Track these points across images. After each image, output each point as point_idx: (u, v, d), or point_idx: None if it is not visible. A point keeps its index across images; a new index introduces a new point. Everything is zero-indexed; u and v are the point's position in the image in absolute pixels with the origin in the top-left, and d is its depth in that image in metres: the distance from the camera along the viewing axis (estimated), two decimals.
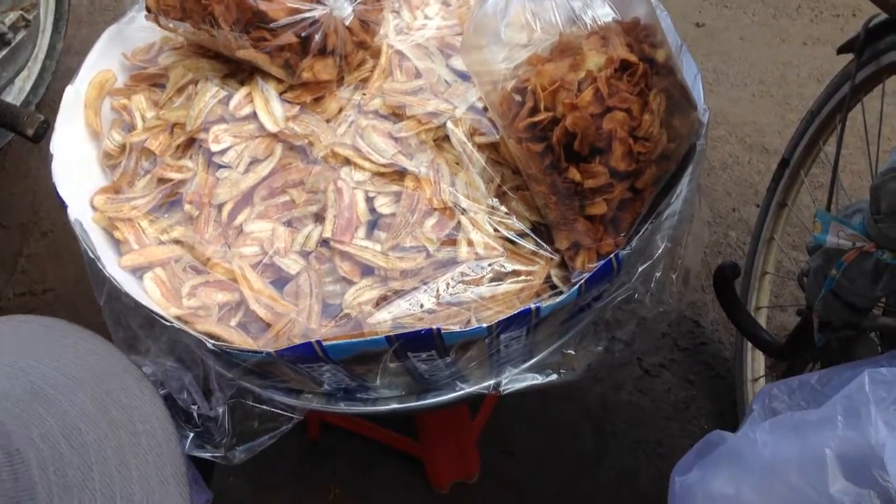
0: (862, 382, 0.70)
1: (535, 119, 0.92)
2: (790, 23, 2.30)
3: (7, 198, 1.92)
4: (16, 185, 1.95)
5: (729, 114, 2.03)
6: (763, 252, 1.58)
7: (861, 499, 0.67)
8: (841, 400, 0.71)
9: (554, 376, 1.08)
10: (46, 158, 1.89)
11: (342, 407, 1.08)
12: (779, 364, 1.34)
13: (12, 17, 1.81)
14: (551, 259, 0.99)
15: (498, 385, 1.07)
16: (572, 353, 1.07)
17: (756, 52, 2.22)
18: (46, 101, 2.09)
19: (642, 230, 0.98)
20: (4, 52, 1.82)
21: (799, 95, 2.10)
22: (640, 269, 1.02)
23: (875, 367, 0.74)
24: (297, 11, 1.03)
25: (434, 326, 0.89)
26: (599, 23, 0.91)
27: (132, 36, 1.23)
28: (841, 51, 1.34)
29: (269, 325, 0.98)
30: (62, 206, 1.02)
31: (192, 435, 1.03)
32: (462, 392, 1.07)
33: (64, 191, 1.03)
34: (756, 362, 1.58)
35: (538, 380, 1.08)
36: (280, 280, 1.00)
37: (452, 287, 0.96)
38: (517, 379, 1.07)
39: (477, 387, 1.07)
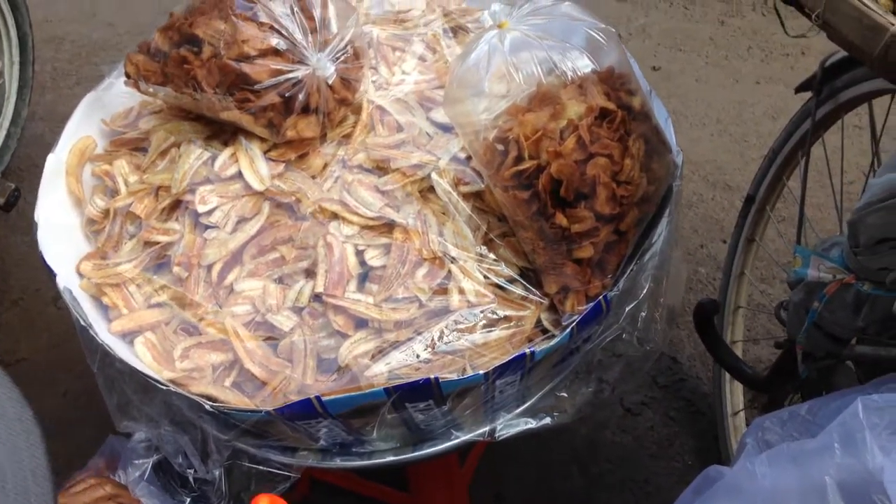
0: (856, 410, 0.72)
1: (521, 167, 0.95)
2: (742, 63, 2.39)
3: None
4: None
5: (690, 153, 2.09)
6: (735, 287, 1.62)
7: None
8: (836, 428, 0.73)
9: (547, 419, 1.10)
10: (15, 227, 1.87)
11: (338, 462, 1.07)
12: (759, 397, 1.37)
13: None
14: (541, 303, 1.01)
15: (493, 431, 1.08)
16: (564, 395, 1.09)
17: (712, 93, 2.30)
18: (12, 168, 2.07)
19: (628, 271, 1.01)
20: None
21: (756, 133, 2.18)
22: (626, 310, 1.04)
23: (864, 394, 0.76)
24: (280, 73, 1.05)
25: (432, 376, 0.90)
26: (579, 73, 0.94)
27: (110, 102, 1.24)
28: (799, 90, 1.40)
29: (264, 384, 0.98)
30: (51, 274, 1.01)
31: (188, 500, 1.02)
32: (457, 440, 1.07)
33: (51, 259, 1.03)
34: (735, 396, 1.61)
35: (532, 424, 1.09)
36: (274, 337, 1.00)
37: (446, 336, 0.98)
38: (511, 424, 1.08)
39: (472, 434, 1.07)
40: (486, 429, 1.07)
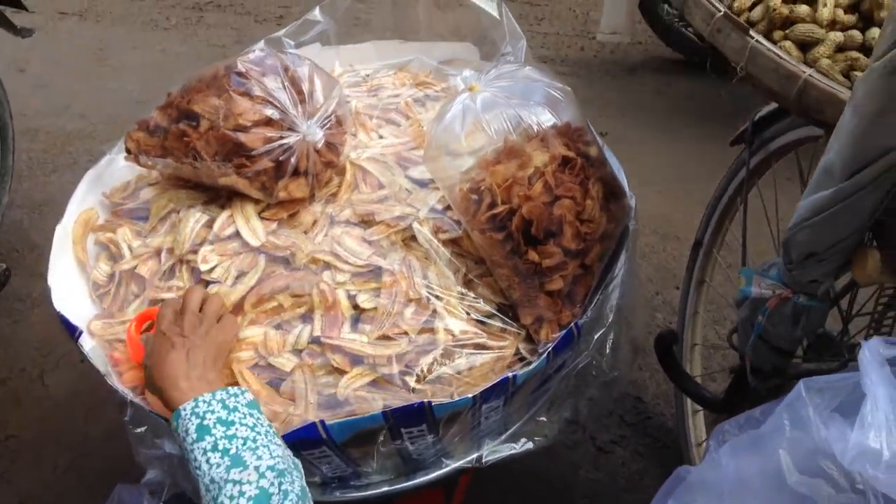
0: (800, 391, 0.84)
1: (495, 211, 1.07)
2: (681, 126, 2.59)
3: None
4: None
5: (640, 209, 2.21)
6: (690, 326, 1.75)
7: (813, 485, 0.80)
8: (784, 408, 0.84)
9: (529, 444, 1.19)
10: None
11: (337, 495, 1.15)
12: (720, 420, 1.47)
13: None
14: (518, 334, 1.12)
15: (480, 458, 1.17)
16: (544, 419, 1.19)
17: (655, 154, 2.48)
18: None
19: (594, 301, 1.12)
20: None
21: (699, 189, 2.34)
22: (595, 337, 1.16)
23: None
24: (273, 140, 1.17)
25: (425, 400, 1.00)
26: (542, 126, 1.07)
27: (110, 177, 1.34)
28: (733, 143, 1.56)
29: (270, 422, 1.05)
30: (73, 333, 1.08)
31: None
32: (448, 468, 1.16)
33: (70, 319, 1.10)
34: (697, 429, 1.72)
35: (515, 449, 1.19)
36: (276, 378, 1.09)
37: (435, 367, 1.07)
38: (496, 450, 1.18)
39: (461, 461, 1.16)
40: (474, 455, 1.17)
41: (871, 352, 0.82)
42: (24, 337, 1.98)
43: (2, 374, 1.90)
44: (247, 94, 1.17)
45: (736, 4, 0.97)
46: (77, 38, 3.00)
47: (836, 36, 0.93)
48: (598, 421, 1.80)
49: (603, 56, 2.89)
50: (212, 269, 1.16)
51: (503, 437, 1.18)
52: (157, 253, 1.20)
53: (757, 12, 0.96)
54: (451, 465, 1.16)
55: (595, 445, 1.75)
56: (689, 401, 1.72)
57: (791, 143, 1.38)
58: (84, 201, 1.29)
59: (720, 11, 0.96)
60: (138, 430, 1.05)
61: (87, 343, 1.10)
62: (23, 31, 1.79)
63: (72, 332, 1.10)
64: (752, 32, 0.94)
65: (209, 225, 1.20)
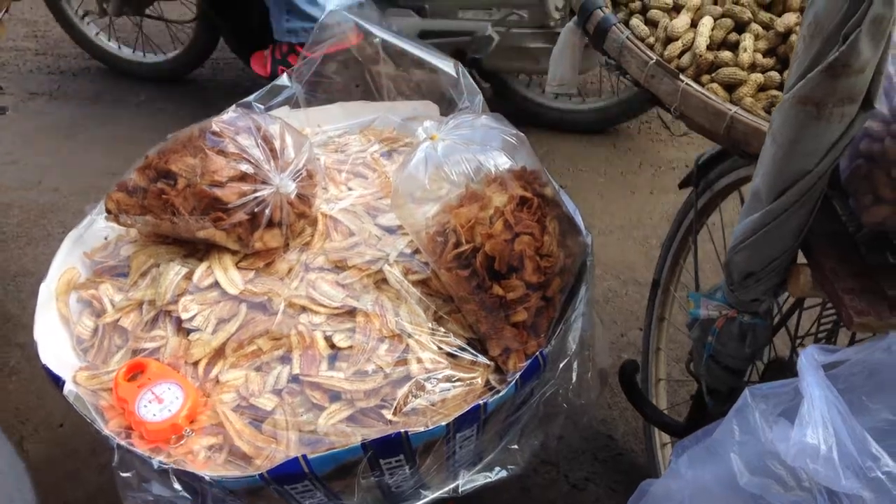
0: (746, 398, 0.91)
1: (460, 250, 1.15)
2: (636, 178, 2.71)
3: None
4: None
5: (601, 256, 2.35)
6: (654, 361, 1.82)
7: (763, 485, 0.86)
8: (734, 414, 0.92)
9: (503, 473, 1.25)
10: None
11: None
12: None
13: None
14: (488, 366, 1.18)
15: (457, 488, 1.22)
16: (516, 447, 1.24)
17: (613, 204, 2.59)
18: None
19: (558, 331, 1.20)
20: None
21: (656, 235, 2.46)
22: (560, 366, 1.23)
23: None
24: (247, 193, 1.24)
25: (402, 430, 1.05)
26: (500, 169, 1.16)
27: (90, 237, 1.39)
28: (682, 185, 1.66)
29: (252, 459, 1.10)
30: (58, 383, 1.12)
31: None
32: (426, 499, 1.21)
33: (55, 370, 1.14)
34: (667, 460, 1.78)
35: (490, 478, 1.24)
36: (258, 418, 1.14)
37: (410, 399, 1.13)
38: (472, 480, 1.23)
39: (439, 492, 1.21)
40: (451, 486, 1.21)
41: (807, 358, 0.90)
42: (3, 404, 2.00)
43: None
44: (222, 152, 1.25)
45: (666, 53, 1.07)
46: (47, 116, 3.07)
47: (757, 77, 1.03)
48: (571, 459, 1.85)
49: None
50: (192, 318, 1.21)
51: (478, 466, 1.23)
52: (139, 305, 1.25)
53: (685, 59, 1.07)
54: (429, 497, 1.21)
55: (569, 483, 1.80)
56: (657, 435, 1.78)
57: (733, 182, 1.48)
58: (66, 261, 1.34)
59: (653, 59, 1.06)
60: (125, 474, 1.08)
61: (71, 392, 1.13)
62: None
63: (57, 382, 1.14)
64: (682, 77, 1.04)
65: (188, 276, 1.26)
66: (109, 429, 1.13)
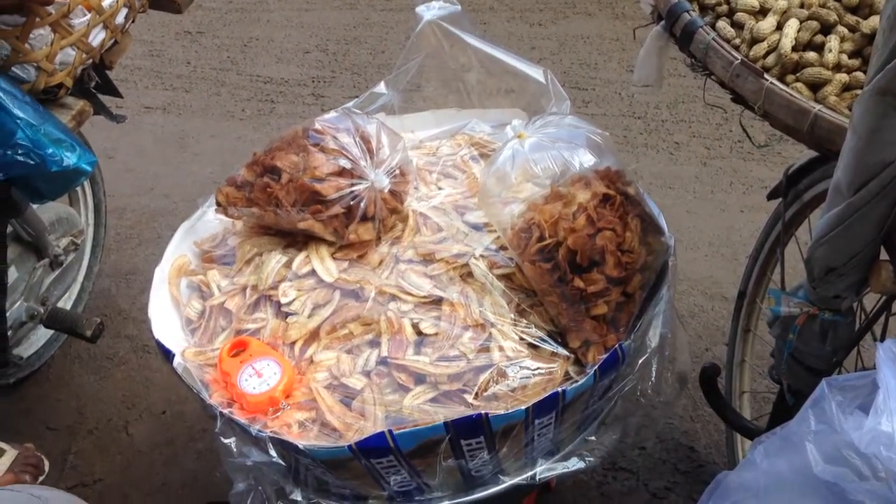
0: (823, 389, 0.92)
1: (543, 244, 1.19)
2: (726, 196, 2.70)
3: (54, 404, 2.10)
4: (60, 392, 2.13)
5: (688, 271, 2.34)
6: (738, 373, 1.81)
7: (838, 473, 0.87)
8: (810, 405, 0.93)
9: (581, 464, 1.27)
10: (87, 367, 2.10)
11: None
12: None
13: (65, 242, 2.09)
14: (567, 358, 1.22)
15: (535, 475, 1.25)
16: (594, 439, 1.27)
17: (702, 222, 2.59)
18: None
19: (637, 326, 1.22)
20: (58, 272, 2.09)
21: (744, 252, 2.43)
22: (639, 362, 1.25)
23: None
24: (344, 187, 1.32)
25: (482, 412, 1.10)
26: (585, 167, 1.20)
27: (200, 228, 1.51)
28: (770, 196, 1.66)
29: (342, 434, 1.17)
30: (168, 357, 1.22)
31: None
32: (504, 485, 1.25)
33: (167, 345, 1.24)
34: None
35: (568, 468, 1.27)
36: (348, 396, 1.20)
37: (490, 385, 1.18)
38: (549, 468, 1.26)
39: (517, 478, 1.25)
40: (529, 473, 1.25)
41: (884, 351, 0.90)
42: (111, 392, 2.14)
43: (90, 424, 2.05)
44: (322, 149, 1.34)
45: (751, 53, 1.10)
46: (160, 129, 3.27)
47: (842, 77, 1.05)
48: (651, 468, 1.85)
49: (648, 133, 3.04)
50: (290, 302, 1.30)
51: (556, 456, 1.27)
52: (243, 290, 1.35)
53: (771, 59, 1.09)
54: (508, 482, 1.24)
55: (649, 491, 1.80)
56: (740, 447, 1.77)
57: (823, 192, 1.47)
58: (178, 249, 1.46)
59: (738, 59, 1.09)
60: (227, 440, 1.17)
61: (180, 365, 1.23)
62: (117, 116, 2.02)
63: (167, 355, 1.24)
64: (766, 76, 1.07)
65: (288, 265, 1.35)
66: (213, 400, 1.22)
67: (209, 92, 3.49)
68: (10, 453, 1.68)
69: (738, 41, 1.13)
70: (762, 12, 1.15)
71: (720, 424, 1.93)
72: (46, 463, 1.75)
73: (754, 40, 1.11)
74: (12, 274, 1.90)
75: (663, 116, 3.14)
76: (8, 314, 1.87)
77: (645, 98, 3.25)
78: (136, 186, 2.92)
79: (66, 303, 2.26)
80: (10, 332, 1.90)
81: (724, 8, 1.17)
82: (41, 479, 1.72)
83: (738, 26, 1.14)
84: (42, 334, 2.15)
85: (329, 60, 3.69)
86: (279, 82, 3.55)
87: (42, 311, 1.97)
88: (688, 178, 2.80)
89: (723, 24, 1.14)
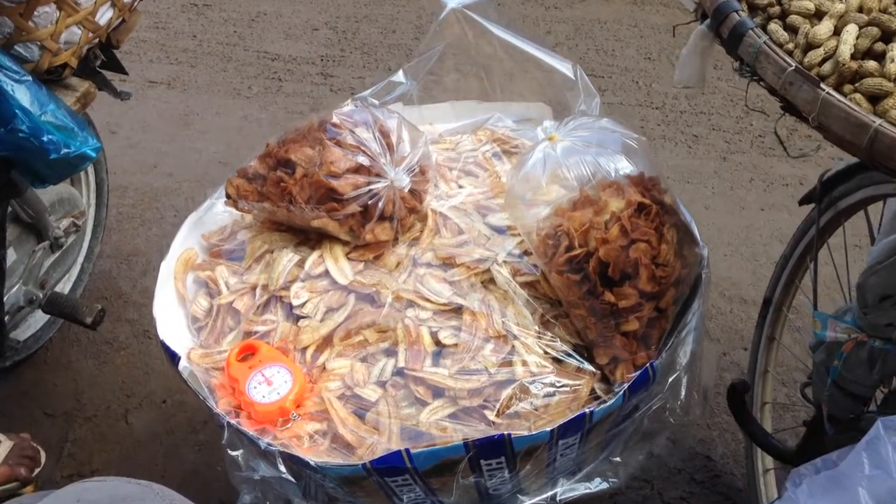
0: (878, 430, 0.86)
1: (573, 254, 1.13)
2: (746, 193, 2.62)
3: (51, 388, 2.04)
4: (58, 376, 2.07)
5: None
6: (760, 384, 1.75)
7: None
8: (864, 446, 0.86)
9: (604, 485, 1.22)
10: (87, 351, 2.03)
11: None
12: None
13: (65, 223, 2.02)
14: (594, 374, 1.16)
15: (555, 496, 1.20)
16: (618, 460, 1.21)
17: (720, 219, 2.51)
18: (83, 300, 2.25)
19: (669, 344, 1.16)
20: (58, 254, 2.02)
21: (764, 253, 2.37)
22: (669, 380, 1.19)
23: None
24: (361, 185, 1.25)
25: (505, 432, 1.04)
26: (619, 174, 1.13)
27: (209, 220, 1.44)
28: (802, 202, 1.59)
29: (355, 448, 1.11)
30: (173, 359, 1.16)
31: None
32: None
33: (172, 346, 1.18)
34: (769, 487, 1.70)
35: (590, 488, 1.21)
36: (362, 408, 1.14)
37: (513, 402, 1.12)
38: (570, 489, 1.21)
39: (536, 499, 1.19)
40: (549, 493, 1.19)
41: None
42: (110, 378, 2.08)
43: (88, 411, 1.99)
44: (339, 144, 1.26)
45: (806, 60, 1.02)
46: (164, 104, 3.18)
47: None
48: (666, 478, 1.79)
49: (666, 125, 2.96)
50: (303, 305, 1.23)
51: (578, 476, 1.21)
52: (253, 289, 1.28)
53: (827, 67, 1.02)
54: (526, 502, 1.19)
55: (663, 501, 1.75)
56: (760, 460, 1.71)
57: (860, 201, 1.41)
58: (185, 242, 1.39)
59: (791, 66, 1.01)
60: (234, 453, 1.11)
61: (185, 369, 1.17)
62: (122, 93, 1.94)
63: (173, 358, 1.18)
64: (822, 85, 0.99)
65: (300, 264, 1.28)
66: (220, 406, 1.16)
67: (215, 68, 3.40)
68: (6, 444, 1.62)
69: (791, 46, 1.05)
70: (817, 16, 1.07)
71: (738, 433, 1.87)
72: (43, 454, 1.70)
73: (809, 46, 1.03)
74: (10, 256, 1.83)
75: (682, 107, 3.05)
76: (6, 299, 1.81)
77: (662, 88, 3.17)
78: (139, 164, 2.84)
79: (65, 285, 2.20)
80: (7, 318, 1.84)
81: (776, 9, 1.09)
82: (37, 471, 1.66)
83: (791, 30, 1.06)
84: (41, 316, 2.08)
85: (338, 38, 3.59)
86: (287, 60, 3.45)
87: (41, 295, 1.90)
88: (706, 172, 2.72)
89: (775, 26, 1.06)
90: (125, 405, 2.01)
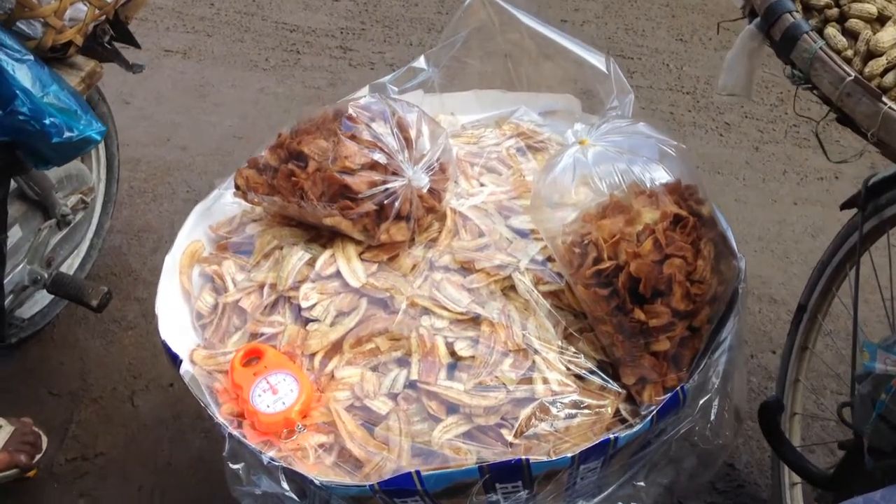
0: None
1: (601, 267, 1.05)
2: (779, 186, 2.52)
3: (57, 367, 2.00)
4: (64, 355, 2.03)
5: None
6: (791, 393, 1.68)
7: None
8: None
9: None
10: (94, 331, 1.98)
11: None
12: (825, 495, 1.40)
13: (73, 199, 1.96)
14: (619, 394, 1.09)
15: None
16: (642, 484, 1.15)
17: (751, 213, 2.42)
18: (92, 276, 2.20)
19: (701, 365, 1.09)
20: (65, 231, 1.96)
21: (797, 250, 2.28)
22: (700, 403, 1.12)
23: None
24: (378, 184, 1.18)
25: (523, 457, 0.97)
26: (656, 182, 1.05)
27: (217, 211, 1.37)
28: (844, 206, 1.49)
29: (362, 464, 1.05)
30: (174, 360, 1.10)
31: None
32: None
33: (173, 347, 1.12)
34: (796, 501, 1.64)
35: None
36: (371, 421, 1.08)
37: (533, 422, 1.05)
38: None
39: None
40: None
41: None
42: (117, 358, 2.03)
43: (94, 392, 1.95)
44: (355, 138, 1.19)
45: (867, 70, 0.94)
46: (179, 75, 3.11)
47: None
48: (701, 474, 1.73)
49: (696, 111, 2.85)
50: (312, 307, 1.17)
51: (597, 498, 1.14)
52: (260, 288, 1.22)
53: (890, 78, 0.93)
54: None
55: None
56: (787, 473, 1.64)
57: None
58: (192, 234, 1.32)
59: (850, 76, 0.92)
60: (235, 466, 1.05)
61: (187, 373, 1.11)
62: (134, 66, 1.86)
63: (174, 360, 1.12)
64: (884, 99, 0.90)
65: (311, 263, 1.22)
66: (222, 413, 1.11)
67: (232, 38, 3.31)
68: (6, 429, 1.58)
69: (850, 53, 0.96)
70: (880, 20, 0.97)
71: (763, 441, 1.79)
72: (44, 439, 1.66)
73: (871, 54, 0.94)
74: (16, 234, 1.78)
75: (714, 93, 2.94)
76: (9, 278, 1.76)
77: (694, 71, 3.05)
78: (153, 136, 2.77)
79: (73, 261, 2.15)
80: (10, 297, 1.79)
81: (834, 11, 0.99)
82: (38, 457, 1.62)
83: (850, 35, 0.97)
84: (47, 293, 2.04)
85: (359, 10, 3.48)
86: (306, 31, 3.35)
87: (46, 275, 1.85)
88: (738, 163, 2.62)
89: (832, 31, 0.97)
90: (132, 387, 1.96)
